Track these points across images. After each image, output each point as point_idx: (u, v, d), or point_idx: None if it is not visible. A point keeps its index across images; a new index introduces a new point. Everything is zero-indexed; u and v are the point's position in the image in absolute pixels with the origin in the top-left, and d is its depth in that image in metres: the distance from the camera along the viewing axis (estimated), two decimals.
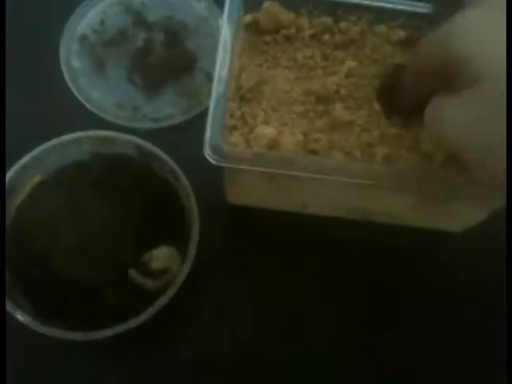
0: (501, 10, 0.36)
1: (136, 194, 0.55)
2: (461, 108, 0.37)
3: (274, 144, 0.46)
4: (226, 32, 0.48)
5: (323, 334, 0.55)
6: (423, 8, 0.50)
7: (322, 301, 0.56)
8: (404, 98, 0.47)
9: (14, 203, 0.54)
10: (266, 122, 0.47)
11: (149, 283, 0.51)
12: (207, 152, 0.44)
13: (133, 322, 0.48)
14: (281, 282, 0.56)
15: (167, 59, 0.66)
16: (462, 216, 0.55)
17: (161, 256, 0.52)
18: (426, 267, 0.58)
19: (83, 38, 0.67)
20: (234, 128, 0.47)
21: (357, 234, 0.57)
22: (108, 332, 0.48)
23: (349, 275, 0.57)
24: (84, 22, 0.68)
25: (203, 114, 0.45)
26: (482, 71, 0.35)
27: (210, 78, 0.65)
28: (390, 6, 0.51)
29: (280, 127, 0.47)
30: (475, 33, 0.36)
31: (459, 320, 0.56)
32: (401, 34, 0.52)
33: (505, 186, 0.35)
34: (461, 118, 0.37)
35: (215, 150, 0.44)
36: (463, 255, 0.58)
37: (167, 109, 0.64)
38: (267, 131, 0.46)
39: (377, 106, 0.48)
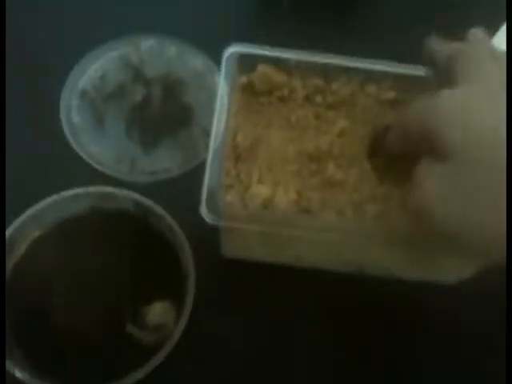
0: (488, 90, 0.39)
1: (133, 249, 0.56)
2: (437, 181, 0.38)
3: (268, 203, 0.47)
4: (222, 93, 0.50)
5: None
6: (412, 70, 0.52)
7: (323, 358, 0.56)
8: (389, 156, 0.48)
9: (12, 259, 0.54)
10: (260, 181, 0.48)
11: (146, 338, 0.51)
12: (203, 211, 0.45)
13: (130, 379, 0.48)
14: (277, 336, 0.56)
15: (165, 114, 0.68)
16: (455, 269, 0.56)
17: (156, 312, 0.52)
18: (423, 319, 0.58)
19: (83, 93, 0.68)
20: (229, 187, 0.48)
21: (353, 287, 0.57)
22: None
23: (347, 328, 0.57)
24: (84, 78, 0.69)
25: (200, 167, 0.46)
26: (455, 149, 0.37)
27: (206, 131, 0.66)
28: (379, 67, 0.52)
29: (274, 186, 0.48)
30: (453, 113, 0.38)
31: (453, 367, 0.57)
32: (390, 94, 0.53)
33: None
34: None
35: (211, 209, 0.45)
36: (459, 306, 0.58)
37: (164, 162, 0.65)
38: (262, 190, 0.47)
39: (367, 165, 0.49)
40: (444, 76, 0.45)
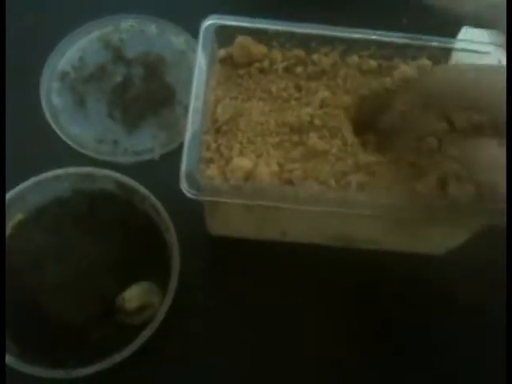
0: None
1: (117, 229, 0.56)
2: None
3: (250, 175, 0.46)
4: (200, 67, 0.49)
5: (315, 358, 0.55)
6: (392, 38, 0.51)
7: (305, 325, 0.56)
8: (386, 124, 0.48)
9: None
10: (241, 154, 0.48)
11: (132, 318, 0.51)
12: (184, 186, 0.44)
13: (115, 358, 0.48)
14: (264, 310, 0.56)
15: (146, 93, 0.67)
16: (442, 239, 0.56)
17: (141, 291, 0.52)
18: (412, 289, 0.58)
19: (63, 75, 0.67)
20: (210, 161, 0.48)
21: (341, 260, 0.57)
22: (91, 369, 0.48)
23: (337, 301, 0.57)
24: (64, 59, 0.69)
25: (183, 147, 0.46)
26: None
27: (188, 110, 0.65)
28: (360, 36, 0.52)
29: (256, 159, 0.47)
30: None
31: (447, 338, 0.57)
32: (372, 63, 0.53)
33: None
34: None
35: (191, 183, 0.44)
36: (448, 276, 0.58)
37: (147, 142, 0.64)
38: (243, 163, 0.46)
39: (350, 135, 0.49)
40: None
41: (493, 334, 0.54)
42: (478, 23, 0.48)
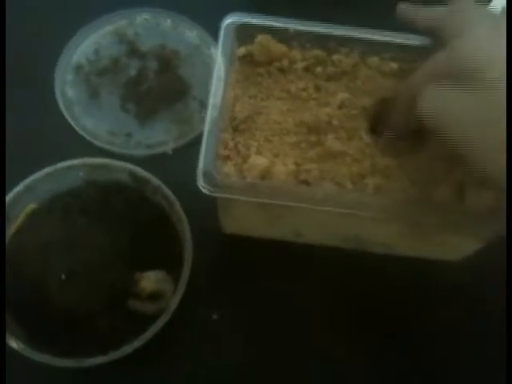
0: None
1: (129, 220, 0.56)
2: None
3: (266, 174, 0.47)
4: (220, 65, 0.49)
5: (321, 358, 0.55)
6: (414, 40, 0.51)
7: (318, 326, 0.56)
8: (395, 124, 0.48)
9: (8, 232, 0.54)
10: (259, 153, 0.48)
11: (144, 309, 0.51)
12: (200, 182, 0.44)
13: (126, 349, 0.48)
14: (273, 310, 0.56)
15: (160, 87, 0.67)
16: (457, 246, 0.56)
17: (151, 278, 0.52)
18: (426, 295, 0.58)
19: (78, 68, 0.68)
20: (227, 158, 0.48)
21: (354, 264, 0.57)
22: (101, 359, 0.48)
23: (347, 303, 0.57)
24: (78, 52, 0.69)
25: (196, 140, 0.46)
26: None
27: (202, 104, 0.66)
28: (381, 38, 0.52)
29: (272, 157, 0.47)
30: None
31: (459, 344, 0.57)
32: (392, 66, 0.53)
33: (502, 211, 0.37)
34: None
35: (208, 180, 0.44)
36: (462, 282, 0.58)
37: (160, 135, 0.64)
38: (260, 162, 0.46)
39: (368, 137, 0.49)
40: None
41: (495, 337, 0.54)
42: None
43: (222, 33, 0.51)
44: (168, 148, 0.63)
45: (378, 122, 0.50)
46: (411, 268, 0.57)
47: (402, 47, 0.52)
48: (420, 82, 0.43)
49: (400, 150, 0.48)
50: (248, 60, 0.53)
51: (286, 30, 0.52)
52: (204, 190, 0.45)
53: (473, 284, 0.58)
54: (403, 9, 0.50)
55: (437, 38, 0.46)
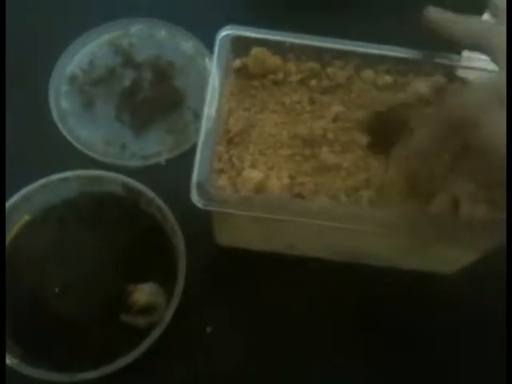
0: None
1: (123, 232, 0.56)
2: None
3: (260, 187, 0.46)
4: (214, 77, 0.49)
5: (319, 369, 0.55)
6: (408, 54, 0.51)
7: (314, 337, 0.56)
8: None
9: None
10: (253, 166, 0.48)
11: (137, 322, 0.51)
12: (194, 196, 0.44)
13: (119, 363, 0.48)
14: (268, 320, 0.56)
15: (155, 97, 0.67)
16: (452, 258, 0.56)
17: (145, 290, 0.52)
18: (421, 308, 0.58)
19: (72, 78, 0.68)
20: (221, 171, 0.48)
21: (350, 276, 0.57)
22: (95, 373, 0.48)
23: (344, 312, 0.57)
24: (73, 63, 0.69)
25: (190, 151, 0.45)
26: None
27: (197, 115, 0.65)
28: (375, 51, 0.52)
29: (267, 171, 0.47)
30: None
31: (458, 348, 0.57)
32: (387, 79, 0.53)
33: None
34: None
35: (202, 194, 0.44)
36: (457, 294, 0.58)
37: (155, 146, 0.64)
38: (254, 175, 0.46)
39: (363, 150, 0.49)
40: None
41: (494, 340, 0.54)
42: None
43: (217, 45, 0.51)
44: (162, 159, 0.63)
45: (372, 135, 0.50)
46: (408, 276, 0.57)
47: (397, 60, 0.52)
48: (460, 109, 0.40)
49: (395, 164, 0.48)
50: (243, 72, 0.53)
51: (282, 42, 0.52)
52: (198, 204, 0.44)
53: (470, 292, 0.58)
54: (433, 14, 0.45)
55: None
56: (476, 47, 0.43)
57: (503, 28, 0.41)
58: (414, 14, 0.47)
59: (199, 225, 0.53)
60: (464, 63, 0.52)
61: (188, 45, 0.71)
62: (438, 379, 0.56)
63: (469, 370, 0.56)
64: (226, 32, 0.51)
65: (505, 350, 0.44)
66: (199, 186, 0.44)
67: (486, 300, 0.57)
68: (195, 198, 0.44)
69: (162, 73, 0.69)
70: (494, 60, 0.41)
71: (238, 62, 0.52)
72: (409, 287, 0.57)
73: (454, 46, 0.45)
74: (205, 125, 0.47)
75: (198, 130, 0.48)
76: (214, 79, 0.49)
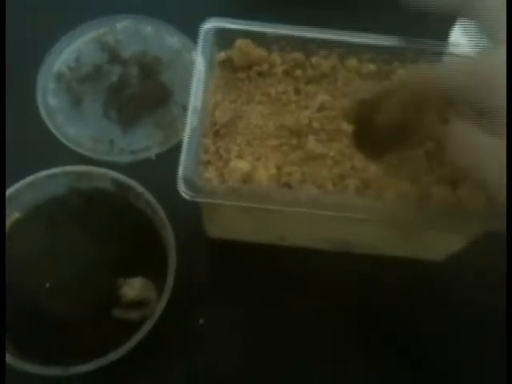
0: None
1: (113, 226, 0.56)
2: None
3: (247, 178, 0.47)
4: (199, 70, 0.49)
5: (316, 361, 0.55)
6: (392, 42, 0.52)
7: (305, 334, 0.56)
8: (379, 126, 0.48)
9: None
10: (240, 157, 0.48)
11: (128, 316, 0.52)
12: (181, 188, 0.44)
13: (111, 356, 0.48)
14: (261, 313, 0.56)
15: (142, 93, 0.67)
16: (441, 244, 0.56)
17: (135, 284, 0.52)
18: (412, 296, 0.58)
19: (59, 76, 0.68)
20: (208, 163, 0.48)
21: (341, 265, 0.57)
22: (88, 366, 0.48)
23: (334, 307, 0.57)
24: (60, 60, 0.69)
25: (179, 146, 0.46)
26: None
27: (185, 109, 0.64)
28: (359, 40, 0.52)
29: (254, 161, 0.48)
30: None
31: (447, 342, 0.57)
32: (371, 67, 0.53)
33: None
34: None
35: (189, 185, 0.44)
36: (449, 281, 0.59)
37: (143, 141, 0.64)
38: (241, 165, 0.47)
39: (348, 139, 0.49)
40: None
41: (494, 339, 0.54)
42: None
43: (200, 38, 0.51)
44: (151, 153, 0.63)
45: (358, 123, 0.50)
46: (399, 267, 0.57)
47: (380, 49, 0.52)
48: (437, 83, 0.40)
49: (381, 150, 0.48)
50: (228, 65, 0.53)
51: (265, 33, 0.52)
52: (185, 196, 0.44)
53: (458, 282, 0.59)
54: None
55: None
56: (455, 12, 0.43)
57: None
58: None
59: (190, 219, 0.54)
60: (450, 50, 0.52)
61: (174, 40, 0.71)
62: (438, 379, 0.56)
63: (468, 370, 0.56)
64: (209, 24, 0.51)
65: (505, 349, 0.45)
66: (186, 178, 0.44)
67: (485, 297, 0.56)
68: (183, 190, 0.44)
69: (149, 68, 0.69)
70: (479, 25, 0.40)
71: (222, 55, 0.52)
72: (407, 285, 0.58)
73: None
74: (190, 118, 0.47)
75: (185, 124, 0.48)
76: (199, 72, 0.49)
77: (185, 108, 0.63)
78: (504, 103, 0.36)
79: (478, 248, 0.52)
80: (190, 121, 0.47)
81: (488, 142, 0.37)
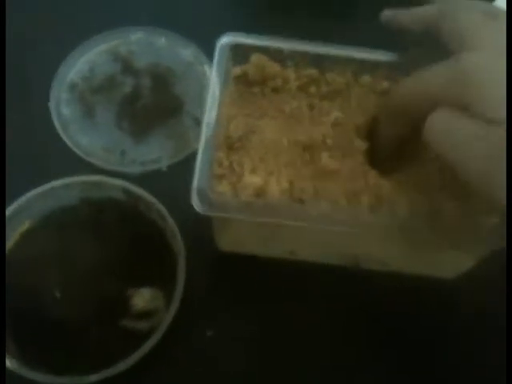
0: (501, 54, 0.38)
1: (123, 236, 0.57)
2: (485, 142, 0.36)
3: (260, 192, 0.47)
4: (214, 84, 0.49)
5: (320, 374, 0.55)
6: (403, 58, 0.52)
7: (311, 348, 0.56)
8: (380, 144, 0.48)
9: None
10: (253, 171, 0.48)
11: (136, 326, 0.52)
12: (195, 201, 0.45)
13: (120, 366, 0.48)
14: (268, 326, 0.56)
15: (155, 104, 0.68)
16: (452, 263, 0.56)
17: (144, 294, 0.53)
18: (421, 312, 0.58)
19: (73, 86, 0.68)
20: (221, 177, 0.48)
21: (351, 281, 0.57)
22: (95, 377, 0.48)
23: (342, 321, 0.57)
24: (73, 71, 0.69)
25: (191, 157, 0.46)
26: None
27: (197, 121, 0.66)
28: (373, 57, 0.52)
29: (267, 176, 0.48)
30: (489, 73, 0.37)
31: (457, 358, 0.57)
32: (385, 84, 0.53)
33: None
34: (484, 152, 0.36)
35: (203, 199, 0.45)
36: (458, 300, 0.59)
37: (155, 152, 0.65)
38: (254, 180, 0.47)
39: (362, 155, 0.49)
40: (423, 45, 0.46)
41: (494, 345, 0.54)
42: None
43: (216, 53, 0.51)
44: (162, 165, 0.63)
45: (371, 140, 0.50)
46: (410, 283, 0.57)
47: (394, 66, 0.52)
48: (413, 94, 0.42)
49: (393, 167, 0.49)
50: (242, 79, 0.53)
51: (280, 49, 0.52)
52: (199, 210, 0.45)
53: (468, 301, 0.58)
54: (388, 14, 0.50)
55: (428, 44, 0.46)
56: (426, 32, 0.45)
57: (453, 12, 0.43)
58: None
59: (200, 230, 0.54)
60: None
61: (187, 52, 0.72)
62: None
63: (469, 377, 0.56)
64: (225, 39, 0.51)
65: (505, 355, 0.45)
66: (200, 191, 0.45)
67: (486, 306, 0.57)
68: (196, 203, 0.45)
69: (162, 80, 0.69)
70: (446, 42, 0.43)
71: (237, 70, 0.53)
72: (411, 293, 0.58)
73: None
74: (205, 131, 0.47)
75: (197, 136, 0.48)
76: (214, 87, 0.49)
77: (197, 119, 0.65)
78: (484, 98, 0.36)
79: (488, 267, 0.52)
80: (205, 134, 0.47)
81: (474, 128, 0.37)
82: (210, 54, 0.53)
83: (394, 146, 0.48)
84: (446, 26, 0.43)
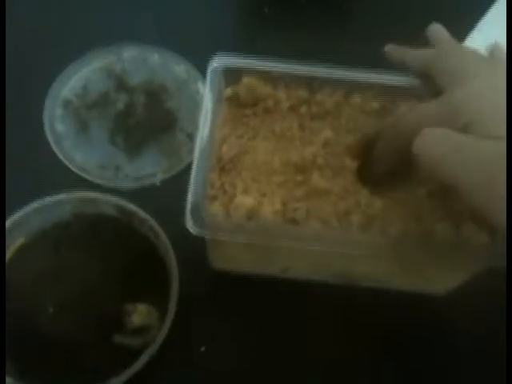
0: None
1: (117, 252, 0.57)
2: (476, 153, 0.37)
3: (253, 213, 0.47)
4: (207, 106, 0.50)
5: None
6: (395, 80, 0.53)
7: (305, 364, 0.56)
8: (376, 165, 0.49)
9: None
10: (245, 192, 0.48)
11: (130, 342, 0.52)
12: (188, 224, 0.45)
13: (114, 382, 0.49)
14: (261, 344, 0.57)
15: (148, 120, 0.68)
16: (442, 280, 0.57)
17: (139, 311, 0.53)
18: (412, 328, 0.59)
19: (67, 103, 0.69)
20: (214, 198, 0.48)
21: (343, 298, 0.57)
22: None
23: (339, 340, 0.58)
24: (67, 87, 0.70)
25: (184, 172, 0.46)
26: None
27: (189, 137, 0.67)
28: (363, 78, 0.53)
29: (259, 197, 0.48)
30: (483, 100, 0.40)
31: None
32: (374, 105, 0.54)
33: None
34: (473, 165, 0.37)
35: (196, 221, 0.45)
36: (449, 315, 0.59)
37: (148, 168, 0.65)
38: (246, 201, 0.47)
39: (353, 175, 0.50)
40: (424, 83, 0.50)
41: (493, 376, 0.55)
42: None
43: (208, 75, 0.52)
44: (156, 180, 0.64)
45: (361, 159, 0.51)
46: (401, 301, 0.58)
47: (384, 87, 0.53)
48: (409, 125, 0.44)
49: (384, 187, 0.49)
50: (234, 101, 0.53)
51: (271, 71, 0.53)
52: (192, 231, 0.45)
53: (456, 318, 0.59)
54: (391, 49, 0.53)
55: (425, 80, 0.49)
56: (423, 71, 0.50)
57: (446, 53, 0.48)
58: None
59: (193, 246, 0.53)
60: None
61: (180, 69, 0.73)
62: None
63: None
64: (217, 62, 0.52)
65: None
66: (193, 212, 0.45)
67: (483, 319, 0.58)
68: (190, 225, 0.45)
69: (155, 96, 0.70)
70: (439, 81, 0.47)
71: (228, 91, 0.53)
72: (405, 309, 0.58)
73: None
74: (198, 153, 0.48)
75: (190, 151, 0.49)
76: (207, 108, 0.50)
77: (189, 135, 0.65)
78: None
79: (478, 283, 0.53)
80: (197, 156, 0.48)
81: (466, 140, 0.38)
82: (202, 71, 0.53)
83: (393, 161, 0.48)
84: (440, 65, 0.47)
